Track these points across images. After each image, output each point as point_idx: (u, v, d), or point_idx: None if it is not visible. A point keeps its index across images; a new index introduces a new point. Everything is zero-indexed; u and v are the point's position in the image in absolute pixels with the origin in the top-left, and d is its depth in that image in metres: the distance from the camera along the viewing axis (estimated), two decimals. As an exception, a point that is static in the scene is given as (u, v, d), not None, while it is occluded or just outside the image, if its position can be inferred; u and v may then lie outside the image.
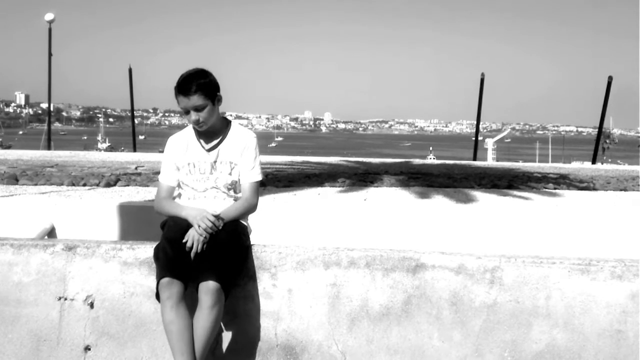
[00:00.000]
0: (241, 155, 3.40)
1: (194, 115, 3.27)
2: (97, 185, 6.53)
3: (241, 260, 3.25)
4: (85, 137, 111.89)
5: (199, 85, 3.24)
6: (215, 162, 3.37)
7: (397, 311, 3.25)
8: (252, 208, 3.41)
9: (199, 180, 3.36)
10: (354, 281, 3.27)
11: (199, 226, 3.12)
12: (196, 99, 3.24)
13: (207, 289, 2.99)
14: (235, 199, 3.40)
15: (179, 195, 3.46)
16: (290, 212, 5.12)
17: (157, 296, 3.06)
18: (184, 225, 3.19)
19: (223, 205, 3.33)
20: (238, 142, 3.41)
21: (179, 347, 3.01)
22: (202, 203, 3.33)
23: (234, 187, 3.40)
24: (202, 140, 3.40)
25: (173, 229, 3.22)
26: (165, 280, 3.01)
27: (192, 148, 3.40)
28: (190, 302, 3.08)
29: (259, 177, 3.44)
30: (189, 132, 3.45)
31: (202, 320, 3.02)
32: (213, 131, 3.38)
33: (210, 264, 3.05)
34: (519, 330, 3.20)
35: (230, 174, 3.38)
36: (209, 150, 3.38)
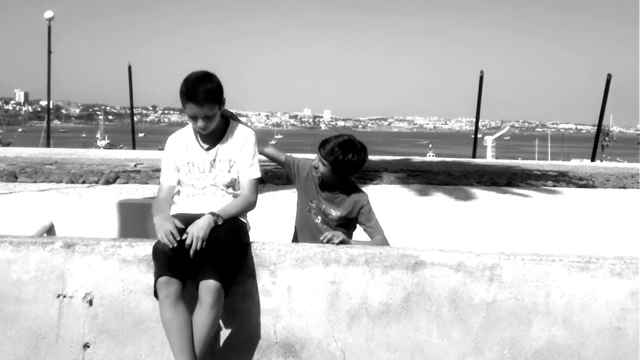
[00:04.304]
0: (240, 153, 3.39)
1: (201, 122, 3.26)
2: (96, 182, 6.53)
3: (240, 258, 3.25)
4: (84, 135, 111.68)
5: (209, 93, 3.20)
6: (214, 160, 3.37)
7: (397, 308, 3.24)
8: (251, 205, 3.41)
9: (198, 178, 3.37)
10: (354, 278, 3.26)
11: (161, 237, 3.12)
12: (207, 109, 3.22)
13: (208, 287, 2.99)
14: (235, 196, 3.39)
15: (178, 192, 3.46)
16: (289, 209, 5.12)
17: (156, 294, 3.06)
18: (181, 228, 3.18)
19: (222, 202, 3.33)
20: (237, 140, 3.41)
21: (179, 345, 3.01)
22: (201, 200, 3.33)
23: (233, 184, 3.40)
24: (200, 139, 3.40)
25: None
26: (163, 279, 3.01)
27: (192, 147, 3.40)
28: (188, 298, 3.07)
29: (258, 175, 3.44)
30: (188, 131, 3.45)
31: (201, 318, 3.02)
32: (212, 130, 3.37)
33: (210, 262, 3.04)
34: (518, 328, 3.20)
35: (229, 171, 3.38)
36: (208, 149, 3.38)
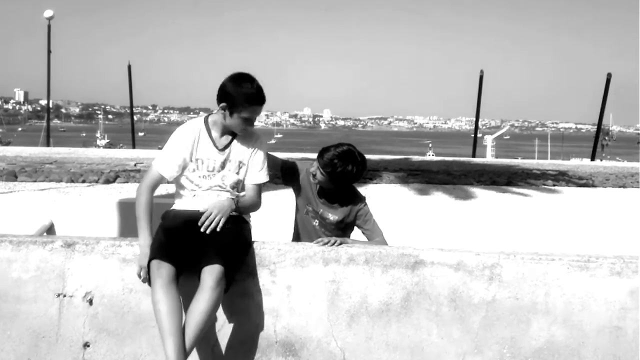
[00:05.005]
0: (250, 156, 3.40)
1: (253, 124, 3.33)
2: (96, 181, 6.53)
3: (242, 257, 3.24)
4: (84, 134, 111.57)
5: (264, 93, 3.29)
6: (224, 161, 3.34)
7: (397, 308, 3.25)
8: (256, 207, 3.46)
9: (205, 177, 3.33)
10: (353, 278, 3.27)
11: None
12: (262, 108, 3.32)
13: (211, 270, 2.95)
14: (238, 197, 3.40)
15: (178, 193, 3.42)
16: (289, 208, 5.12)
17: (149, 282, 3.04)
18: (182, 220, 3.20)
19: None
20: (248, 142, 3.40)
21: (167, 327, 2.90)
22: (204, 201, 3.31)
23: (238, 185, 3.40)
24: (214, 138, 3.35)
25: (172, 221, 3.24)
26: (155, 261, 3.00)
27: (204, 144, 3.33)
28: (183, 294, 3.08)
29: (267, 179, 3.47)
30: (201, 126, 3.36)
31: (201, 302, 2.94)
32: (227, 130, 3.36)
33: (215, 250, 3.03)
34: (518, 327, 3.20)
35: (237, 173, 3.37)
36: (222, 149, 3.35)
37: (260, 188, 3.46)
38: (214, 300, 2.96)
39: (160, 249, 3.05)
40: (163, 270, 2.98)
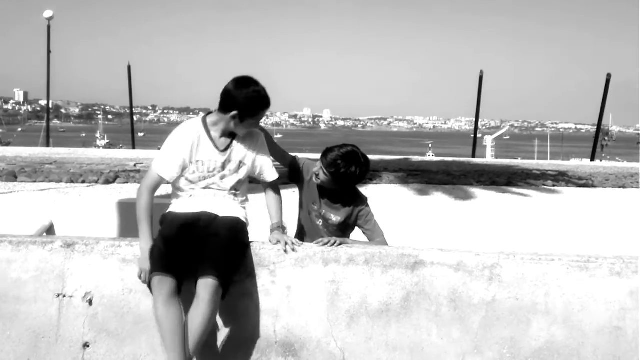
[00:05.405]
0: (255, 157, 3.41)
1: (258, 125, 3.40)
2: (96, 182, 6.52)
3: (240, 258, 3.25)
4: (84, 134, 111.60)
5: None
6: (225, 161, 3.33)
7: (396, 308, 3.25)
8: (281, 201, 3.59)
9: (206, 177, 3.32)
10: (353, 278, 3.27)
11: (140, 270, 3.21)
12: None
13: (206, 284, 2.98)
14: (235, 196, 3.39)
15: (175, 194, 3.41)
16: (290, 209, 5.12)
17: (150, 287, 3.07)
18: (180, 224, 3.19)
19: (224, 202, 3.33)
20: (248, 142, 3.40)
21: (170, 342, 2.98)
22: (202, 201, 3.31)
23: (238, 185, 3.39)
24: (214, 139, 3.32)
25: (169, 227, 3.21)
26: (156, 276, 3.01)
27: (204, 146, 3.30)
28: (184, 298, 3.07)
29: (277, 174, 3.55)
30: (200, 127, 3.32)
31: (197, 315, 3.00)
32: (227, 131, 3.34)
33: (210, 260, 3.04)
34: (517, 327, 3.20)
35: (237, 172, 3.37)
36: (223, 150, 3.33)
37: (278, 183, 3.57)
38: (210, 313, 3.02)
39: (161, 262, 3.06)
40: (165, 286, 3.01)
